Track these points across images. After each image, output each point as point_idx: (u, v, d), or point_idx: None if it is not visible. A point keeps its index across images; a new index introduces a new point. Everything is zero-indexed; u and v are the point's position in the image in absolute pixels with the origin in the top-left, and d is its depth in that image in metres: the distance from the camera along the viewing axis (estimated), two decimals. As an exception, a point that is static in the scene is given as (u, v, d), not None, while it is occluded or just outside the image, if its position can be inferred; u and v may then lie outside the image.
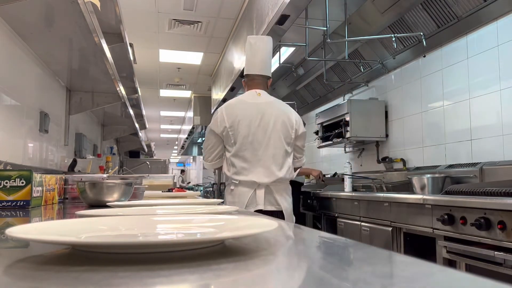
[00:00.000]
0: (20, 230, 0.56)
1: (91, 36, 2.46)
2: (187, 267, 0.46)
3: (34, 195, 1.53)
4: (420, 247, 2.59)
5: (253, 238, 0.67)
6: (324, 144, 4.67)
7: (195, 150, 14.04)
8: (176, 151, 19.61)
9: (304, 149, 2.65)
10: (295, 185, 4.10)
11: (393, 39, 3.33)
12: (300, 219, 4.24)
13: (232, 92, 5.43)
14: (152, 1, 4.48)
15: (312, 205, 4.10)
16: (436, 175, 2.99)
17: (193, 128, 9.22)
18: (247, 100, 2.53)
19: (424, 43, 3.24)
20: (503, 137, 2.79)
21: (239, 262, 0.49)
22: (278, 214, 2.42)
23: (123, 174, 6.98)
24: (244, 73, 2.68)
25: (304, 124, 2.66)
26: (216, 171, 2.67)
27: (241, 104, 2.51)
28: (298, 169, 2.70)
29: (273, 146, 2.41)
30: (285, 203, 2.49)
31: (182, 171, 17.28)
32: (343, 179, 3.85)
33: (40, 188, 1.60)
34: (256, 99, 2.52)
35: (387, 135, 4.16)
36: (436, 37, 3.29)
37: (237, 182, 2.45)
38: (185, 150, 13.62)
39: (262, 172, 2.39)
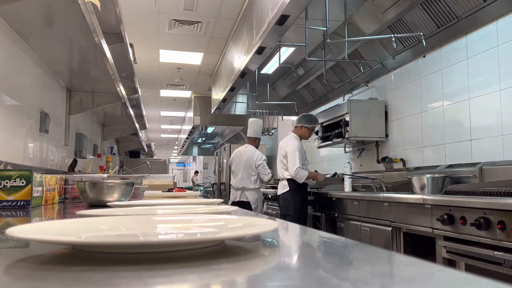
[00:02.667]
0: (20, 230, 0.56)
1: (91, 36, 2.46)
2: (187, 267, 0.46)
3: (34, 195, 1.53)
4: (420, 247, 2.59)
5: (253, 238, 0.67)
6: (324, 144, 4.67)
7: (195, 150, 14.03)
8: (176, 151, 19.63)
9: (264, 170, 4.80)
10: (302, 186, 4.03)
11: (393, 39, 3.33)
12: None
13: (232, 92, 5.43)
14: (152, 1, 4.49)
15: (312, 205, 4.10)
16: (436, 175, 2.99)
17: (193, 128, 9.21)
18: (240, 149, 5.06)
19: (424, 43, 3.24)
20: (502, 137, 2.79)
21: (239, 262, 0.49)
22: (247, 204, 4.77)
23: (123, 174, 6.98)
24: (247, 135, 5.12)
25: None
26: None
27: (237, 151, 5.05)
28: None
29: (243, 171, 4.84)
30: (251, 197, 4.82)
31: (196, 172, 17.48)
32: (343, 179, 3.85)
33: (40, 188, 1.60)
34: (244, 149, 5.01)
35: (387, 135, 4.16)
36: (436, 37, 3.29)
37: (231, 187, 5.06)
38: (185, 150, 13.61)
39: (238, 182, 4.89)
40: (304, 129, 4.14)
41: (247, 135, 5.09)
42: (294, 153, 3.94)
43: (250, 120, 5.08)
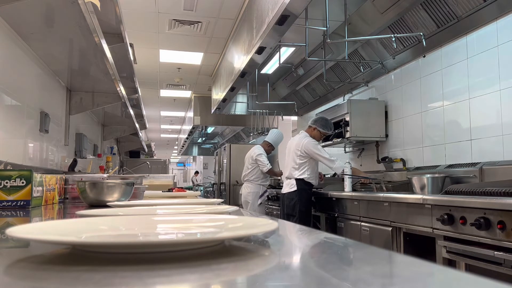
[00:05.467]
0: (20, 230, 0.56)
1: (91, 36, 2.46)
2: (187, 267, 0.46)
3: (35, 195, 1.53)
4: (420, 247, 2.59)
5: (253, 238, 0.67)
6: (324, 144, 4.67)
7: (195, 150, 14.02)
8: (176, 151, 19.63)
9: (261, 163, 5.06)
10: (309, 187, 4.00)
11: (393, 39, 3.33)
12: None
13: (232, 92, 5.43)
14: (152, 1, 4.48)
15: (312, 205, 4.10)
16: (436, 175, 2.99)
17: (193, 128, 9.21)
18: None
19: (424, 43, 3.24)
20: (503, 137, 2.79)
21: (239, 262, 0.49)
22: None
23: (123, 174, 6.98)
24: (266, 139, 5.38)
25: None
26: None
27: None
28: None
29: (245, 167, 5.28)
30: (245, 191, 5.17)
31: (196, 172, 17.55)
32: (343, 179, 3.85)
33: (40, 188, 1.60)
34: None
35: (387, 135, 4.16)
36: (436, 37, 3.29)
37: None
38: (185, 150, 13.61)
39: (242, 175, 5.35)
40: (316, 132, 4.05)
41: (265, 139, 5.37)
42: (317, 149, 3.91)
43: (277, 131, 5.44)
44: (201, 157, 16.76)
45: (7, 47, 2.52)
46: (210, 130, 10.90)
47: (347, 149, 4.89)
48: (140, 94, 6.08)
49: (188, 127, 9.97)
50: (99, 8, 2.58)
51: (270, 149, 5.22)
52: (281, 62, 4.63)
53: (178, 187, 2.69)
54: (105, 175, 2.91)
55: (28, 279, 0.43)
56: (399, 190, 3.43)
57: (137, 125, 6.40)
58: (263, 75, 5.79)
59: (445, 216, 2.17)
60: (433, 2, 3.05)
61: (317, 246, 0.73)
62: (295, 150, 4.02)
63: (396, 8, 3.31)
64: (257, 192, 5.07)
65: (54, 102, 3.58)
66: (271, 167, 5.09)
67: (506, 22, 2.76)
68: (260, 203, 5.10)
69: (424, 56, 3.59)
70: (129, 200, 1.69)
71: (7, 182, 1.48)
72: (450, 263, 2.21)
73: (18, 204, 1.48)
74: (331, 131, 4.12)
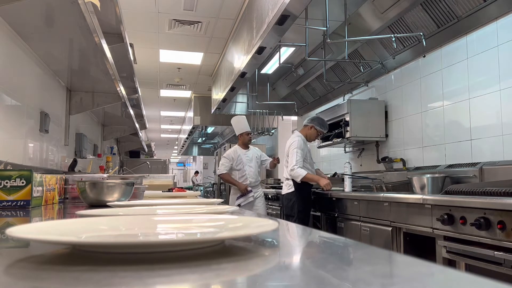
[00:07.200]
0: (20, 230, 0.56)
1: (91, 36, 2.46)
2: (187, 266, 0.46)
3: (35, 195, 1.53)
4: (420, 247, 2.59)
5: (253, 238, 0.67)
6: (324, 144, 4.67)
7: (195, 150, 14.03)
8: (176, 151, 19.64)
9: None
10: (307, 186, 4.00)
11: (393, 39, 3.33)
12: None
13: (232, 92, 5.43)
14: (152, 1, 4.48)
15: (312, 205, 4.10)
16: (436, 175, 2.99)
17: (193, 128, 9.21)
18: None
19: (424, 43, 3.24)
20: (503, 137, 2.79)
21: (239, 262, 0.49)
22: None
23: (123, 174, 6.98)
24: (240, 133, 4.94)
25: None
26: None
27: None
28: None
29: None
30: (230, 195, 4.94)
31: (196, 172, 17.56)
32: (343, 179, 3.85)
33: (40, 188, 1.60)
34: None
35: (387, 135, 4.16)
36: (436, 37, 3.29)
37: None
38: (185, 150, 13.61)
39: None
40: (313, 130, 4.04)
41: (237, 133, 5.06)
42: (293, 151, 3.89)
43: (233, 118, 5.04)
44: (201, 157, 16.76)
45: (7, 47, 2.52)
46: (210, 130, 10.90)
47: (347, 149, 4.89)
48: (140, 94, 6.08)
49: (188, 127, 9.97)
50: (99, 8, 2.58)
51: (245, 138, 4.84)
52: (281, 62, 4.63)
53: (178, 187, 2.69)
54: (105, 175, 2.91)
55: (28, 279, 0.43)
56: (399, 190, 3.43)
57: (137, 125, 6.40)
58: (263, 75, 5.79)
59: (445, 216, 2.17)
60: (433, 2, 3.05)
61: (317, 246, 0.73)
62: (286, 150, 4.06)
63: (396, 8, 3.31)
64: (235, 194, 4.92)
65: (54, 102, 3.58)
66: (224, 172, 4.73)
67: (506, 22, 2.76)
68: (239, 205, 4.98)
69: (424, 56, 3.59)
70: (129, 200, 1.69)
71: (7, 182, 1.48)
72: (450, 263, 2.21)
73: (18, 204, 1.48)
74: (327, 130, 4.14)
